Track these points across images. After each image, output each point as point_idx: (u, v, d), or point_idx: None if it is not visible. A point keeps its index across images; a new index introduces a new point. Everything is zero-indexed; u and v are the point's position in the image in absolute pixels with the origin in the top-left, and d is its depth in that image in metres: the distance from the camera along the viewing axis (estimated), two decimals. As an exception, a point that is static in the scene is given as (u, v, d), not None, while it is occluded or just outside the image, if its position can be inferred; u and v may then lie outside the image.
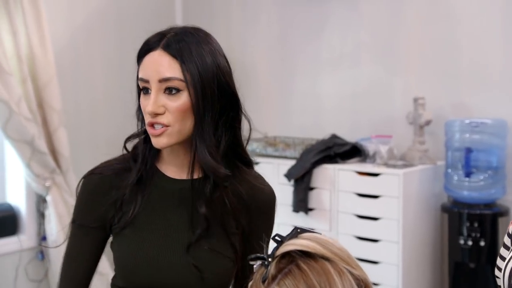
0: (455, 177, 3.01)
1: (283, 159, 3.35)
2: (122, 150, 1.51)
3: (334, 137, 3.32)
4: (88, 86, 3.72)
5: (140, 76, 1.40)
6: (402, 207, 2.92)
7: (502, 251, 1.35)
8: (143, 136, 1.48)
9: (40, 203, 3.47)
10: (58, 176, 3.38)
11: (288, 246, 0.97)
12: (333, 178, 3.11)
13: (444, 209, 3.07)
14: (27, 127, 3.19)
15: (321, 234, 1.02)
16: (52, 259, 3.43)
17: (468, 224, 2.91)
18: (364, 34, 3.51)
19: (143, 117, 1.44)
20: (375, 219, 3.01)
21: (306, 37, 3.71)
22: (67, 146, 3.41)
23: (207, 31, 1.46)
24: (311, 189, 3.18)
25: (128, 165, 1.47)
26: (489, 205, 2.96)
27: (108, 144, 3.35)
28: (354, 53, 3.55)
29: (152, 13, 3.98)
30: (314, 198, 3.17)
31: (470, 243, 2.91)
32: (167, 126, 1.37)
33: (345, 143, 3.24)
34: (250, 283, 1.00)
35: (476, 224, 2.90)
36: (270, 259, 0.98)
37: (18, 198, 3.50)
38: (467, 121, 3.01)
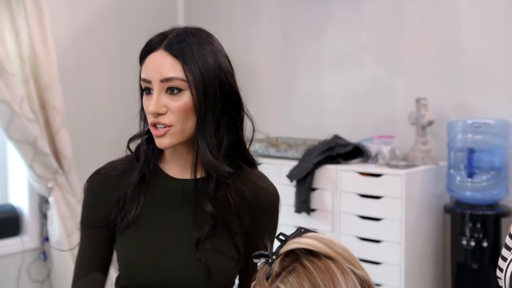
0: (458, 178, 3.01)
1: (285, 159, 3.34)
2: (126, 150, 1.52)
3: (336, 137, 3.31)
4: (91, 87, 3.72)
5: (142, 76, 1.41)
6: (404, 207, 2.92)
7: (504, 251, 1.34)
8: (146, 136, 1.48)
9: (42, 204, 3.47)
10: (60, 177, 3.38)
11: (292, 244, 0.98)
12: (335, 178, 3.11)
13: (447, 209, 3.07)
14: (30, 128, 3.19)
15: (324, 234, 1.02)
16: (54, 260, 3.43)
17: (470, 224, 2.91)
18: (366, 34, 3.51)
19: (145, 117, 1.44)
20: (377, 219, 3.00)
21: (308, 38, 3.71)
22: (69, 147, 3.41)
23: (209, 32, 1.46)
24: (313, 189, 3.17)
25: (132, 166, 1.48)
26: (492, 205, 2.96)
27: (111, 145, 3.36)
28: (356, 53, 3.55)
29: (154, 13, 3.98)
30: (316, 199, 3.17)
31: (472, 243, 2.90)
32: (169, 126, 1.38)
33: (347, 144, 3.24)
34: (253, 282, 1.00)
35: (478, 225, 2.90)
36: (274, 257, 0.98)
37: (20, 199, 3.50)
38: (469, 122, 3.01)
